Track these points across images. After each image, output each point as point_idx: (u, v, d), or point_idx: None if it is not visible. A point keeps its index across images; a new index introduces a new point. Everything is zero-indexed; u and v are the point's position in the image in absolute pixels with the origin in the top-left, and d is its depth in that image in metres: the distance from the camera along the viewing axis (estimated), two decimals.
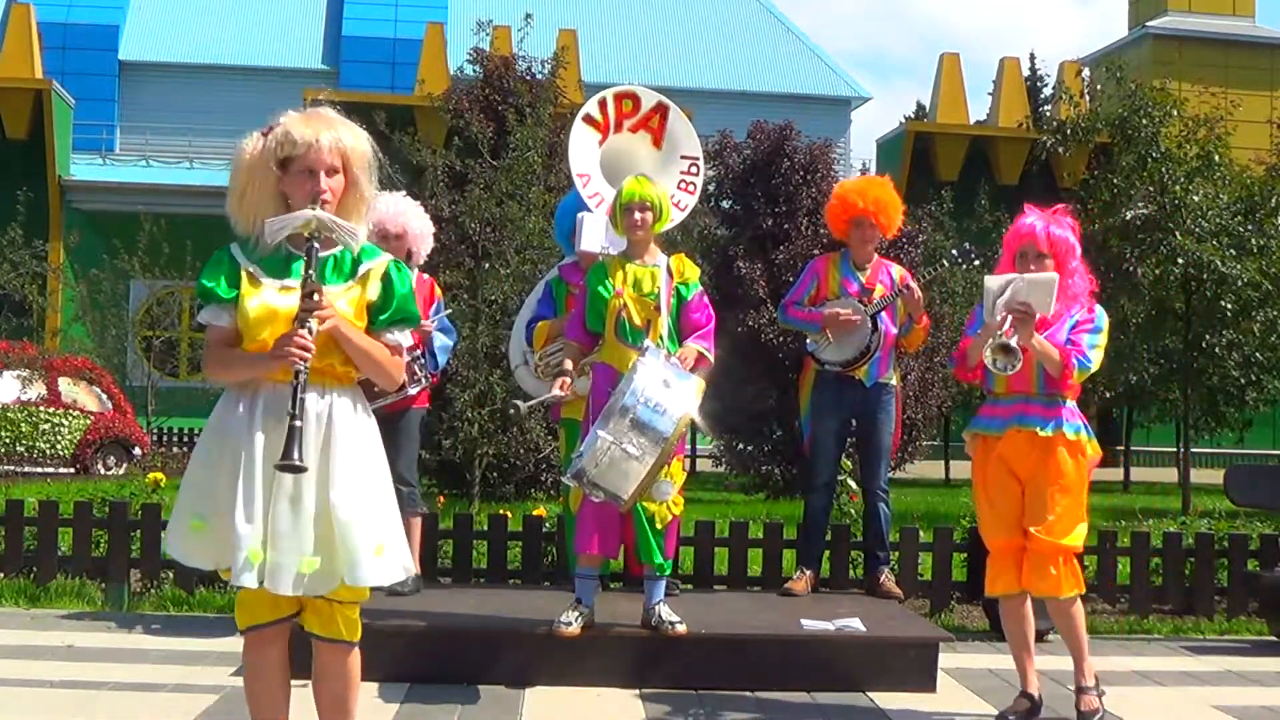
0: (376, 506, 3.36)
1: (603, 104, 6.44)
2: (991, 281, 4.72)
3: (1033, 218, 4.82)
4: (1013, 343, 4.57)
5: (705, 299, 5.52)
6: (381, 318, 3.44)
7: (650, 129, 6.51)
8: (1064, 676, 5.64)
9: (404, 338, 3.51)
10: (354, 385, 3.49)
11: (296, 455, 3.12)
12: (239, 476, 3.24)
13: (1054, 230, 4.76)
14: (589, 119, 6.42)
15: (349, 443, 3.36)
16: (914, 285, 6.46)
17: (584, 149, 6.38)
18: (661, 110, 6.54)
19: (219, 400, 3.44)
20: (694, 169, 6.59)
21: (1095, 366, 4.73)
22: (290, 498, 3.24)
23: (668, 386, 4.71)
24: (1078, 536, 4.76)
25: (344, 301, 3.37)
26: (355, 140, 3.40)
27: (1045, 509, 4.70)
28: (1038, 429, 4.71)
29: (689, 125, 6.63)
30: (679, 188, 6.52)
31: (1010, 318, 4.59)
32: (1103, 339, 4.79)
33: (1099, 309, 4.83)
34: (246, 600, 3.38)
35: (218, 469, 3.30)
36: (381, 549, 3.32)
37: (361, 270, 3.43)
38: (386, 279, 3.44)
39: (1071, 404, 4.80)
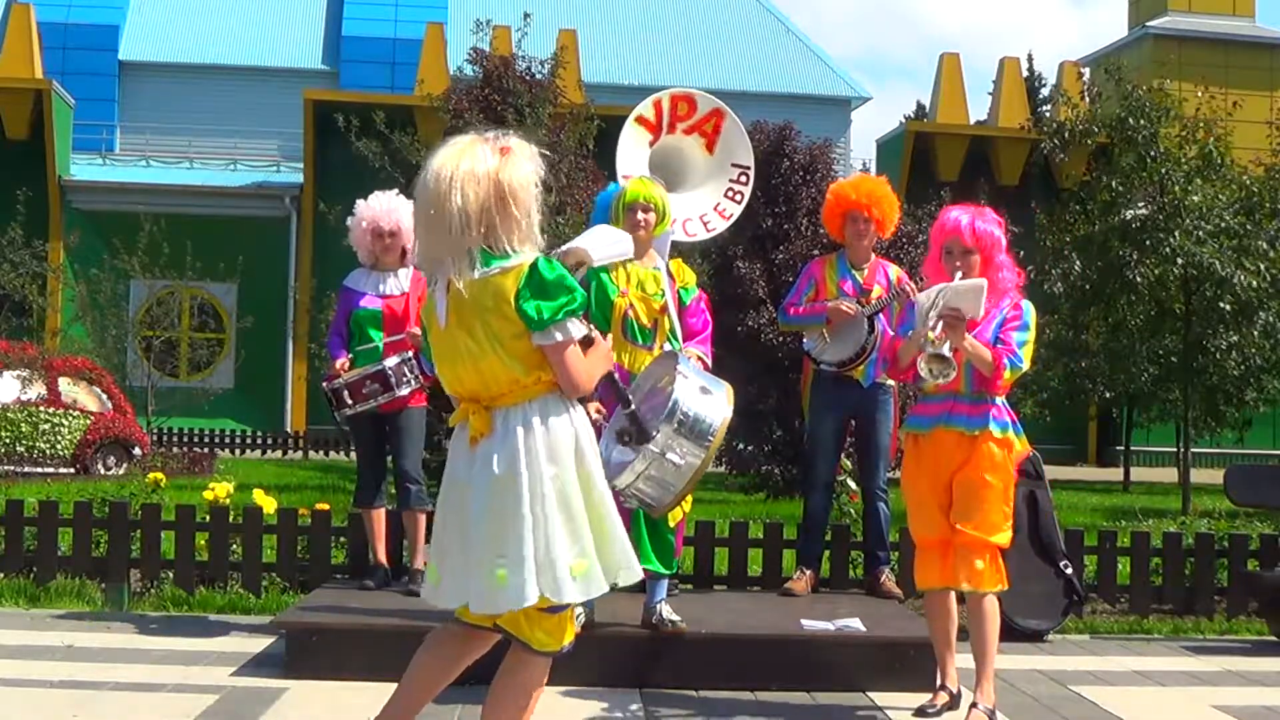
0: None
1: (657, 104, 6.31)
2: (923, 298, 4.73)
3: (958, 213, 4.86)
4: (945, 351, 4.55)
5: (703, 305, 5.53)
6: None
7: (704, 133, 6.38)
8: (1064, 676, 5.65)
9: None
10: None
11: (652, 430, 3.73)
12: (603, 498, 3.44)
13: (979, 225, 4.79)
14: (641, 119, 6.29)
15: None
16: (911, 286, 6.45)
17: (633, 150, 6.25)
18: (718, 116, 6.41)
19: (559, 434, 3.38)
20: (744, 178, 6.47)
21: (1026, 365, 4.74)
22: None
23: (706, 393, 4.70)
24: (1005, 533, 4.76)
25: None
26: None
27: (973, 506, 4.70)
28: (963, 429, 4.74)
29: (744, 133, 6.50)
30: (726, 196, 6.41)
31: (941, 322, 4.60)
32: (1031, 336, 4.78)
33: (1026, 305, 4.83)
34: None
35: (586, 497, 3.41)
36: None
37: None
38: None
39: (1001, 401, 4.80)
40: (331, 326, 6.51)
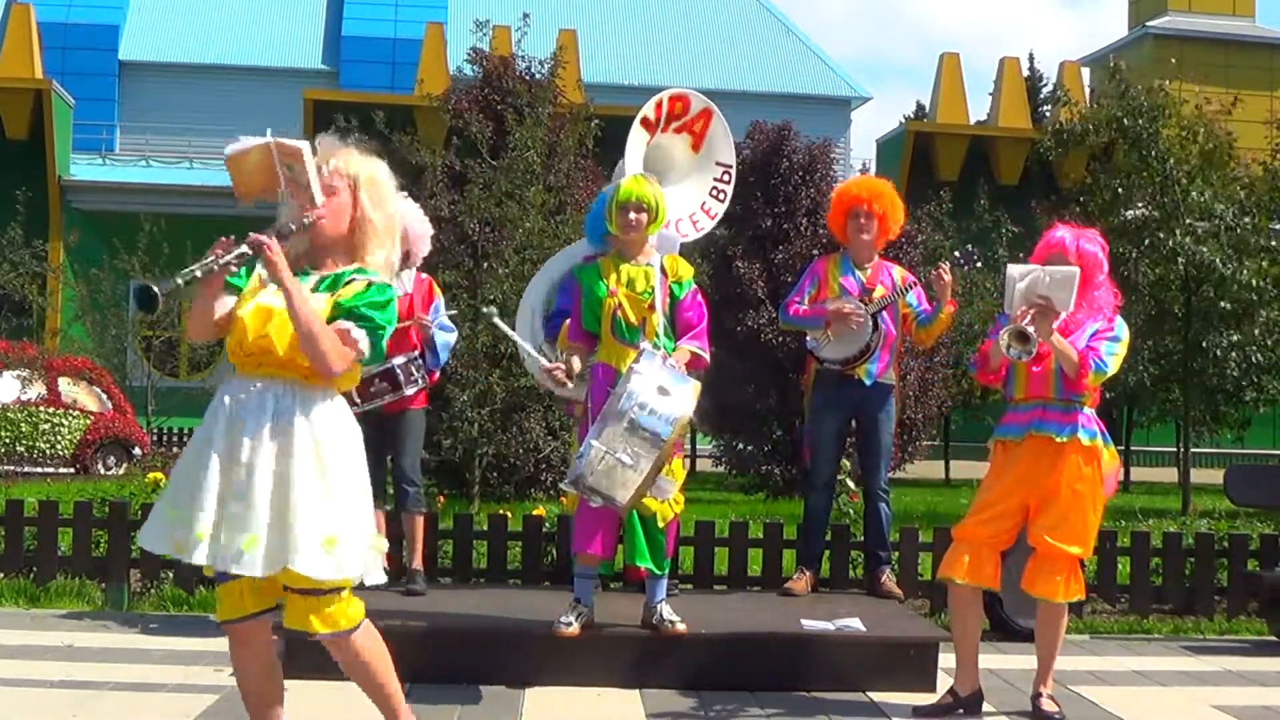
0: (330, 500, 3.47)
1: (658, 105, 6.29)
2: (1014, 269, 4.79)
3: (1063, 231, 4.96)
4: (1028, 329, 4.62)
5: (698, 298, 5.51)
6: (342, 302, 3.54)
7: (693, 132, 6.39)
8: (1064, 676, 5.64)
9: (358, 334, 3.54)
10: (315, 381, 3.55)
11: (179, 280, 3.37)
12: (203, 465, 3.46)
13: (1083, 244, 4.92)
14: (645, 121, 6.25)
15: (303, 435, 3.48)
16: (945, 267, 6.39)
17: (636, 151, 6.22)
18: (706, 115, 6.40)
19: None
20: (726, 176, 6.47)
21: (1112, 371, 4.82)
22: (241, 482, 3.43)
23: (664, 392, 4.72)
24: (1085, 544, 4.85)
25: (319, 301, 3.54)
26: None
27: (1056, 515, 4.79)
28: (1054, 435, 4.80)
29: (728, 132, 6.50)
30: (710, 194, 6.40)
31: (1031, 312, 4.66)
32: (1121, 349, 4.87)
33: (1119, 320, 4.95)
34: (229, 593, 3.60)
35: (190, 460, 3.54)
36: (332, 542, 3.45)
37: (346, 279, 3.59)
38: (367, 286, 3.58)
39: (1089, 410, 4.87)
40: None
